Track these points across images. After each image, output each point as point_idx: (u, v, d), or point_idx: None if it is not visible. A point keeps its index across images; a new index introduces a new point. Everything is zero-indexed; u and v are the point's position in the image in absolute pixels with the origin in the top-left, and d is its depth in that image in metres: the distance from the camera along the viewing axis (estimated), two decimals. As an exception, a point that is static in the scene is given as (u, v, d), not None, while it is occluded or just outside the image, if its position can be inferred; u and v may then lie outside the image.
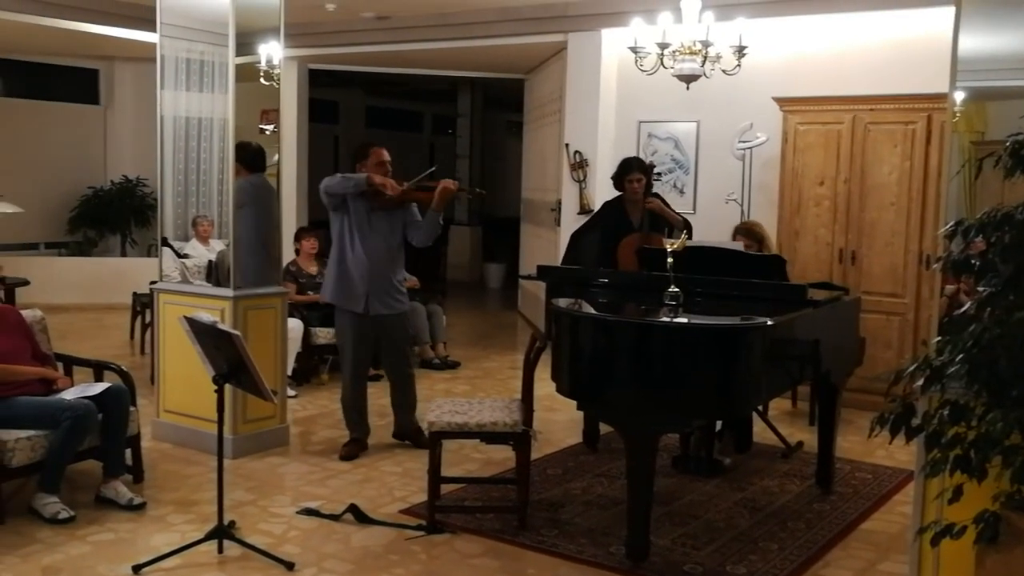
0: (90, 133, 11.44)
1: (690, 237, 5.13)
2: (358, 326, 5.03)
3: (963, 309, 2.61)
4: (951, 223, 2.67)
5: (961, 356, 2.47)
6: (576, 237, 5.84)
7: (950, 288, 3.27)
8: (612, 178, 5.71)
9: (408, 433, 5.30)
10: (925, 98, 6.05)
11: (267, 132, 5.42)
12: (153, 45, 5.41)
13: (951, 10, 3.10)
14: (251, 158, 5.15)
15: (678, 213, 5.64)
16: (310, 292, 6.87)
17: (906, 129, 6.21)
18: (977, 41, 3.21)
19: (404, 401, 5.28)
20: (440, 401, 4.44)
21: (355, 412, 5.17)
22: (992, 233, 2.50)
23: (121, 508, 4.22)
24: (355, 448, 5.12)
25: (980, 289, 2.59)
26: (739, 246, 5.48)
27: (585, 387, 3.76)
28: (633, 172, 5.53)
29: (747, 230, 5.46)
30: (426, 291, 8.32)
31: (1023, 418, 2.33)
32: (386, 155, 5.02)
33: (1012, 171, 2.51)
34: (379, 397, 6.51)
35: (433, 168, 5.07)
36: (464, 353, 8.15)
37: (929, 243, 6.10)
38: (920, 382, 2.61)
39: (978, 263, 2.57)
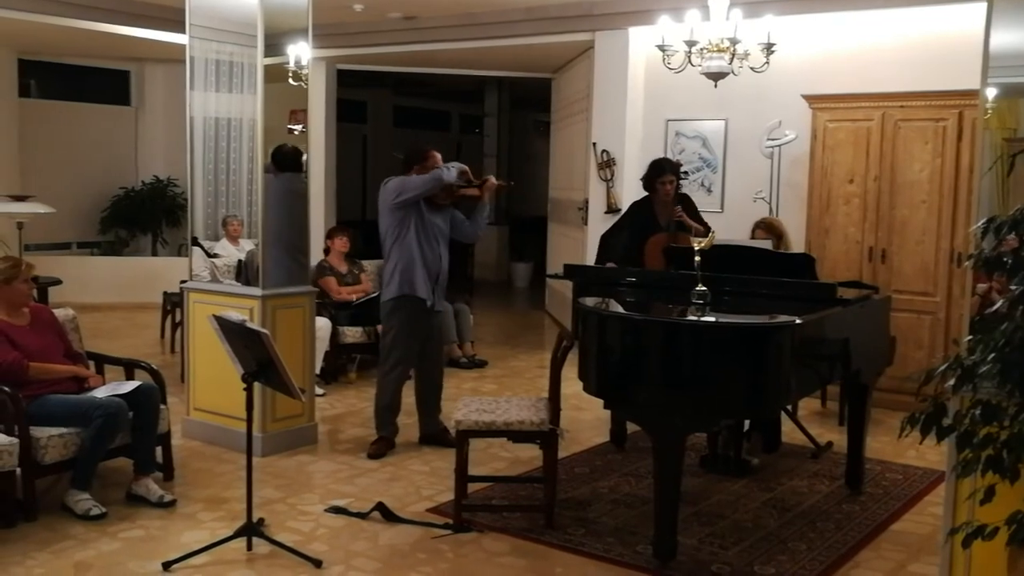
0: (121, 134, 11.58)
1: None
2: (418, 319, 5.10)
3: (995, 307, 2.57)
4: (983, 220, 2.63)
5: (993, 355, 2.44)
6: (606, 238, 5.84)
7: (982, 287, 3.23)
8: (642, 179, 5.69)
9: (436, 434, 5.31)
10: (956, 95, 5.98)
11: (296, 132, 5.45)
12: (183, 47, 5.46)
13: (983, 5, 3.06)
14: (283, 159, 5.19)
15: (702, 220, 5.59)
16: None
17: (937, 126, 6.15)
18: (1009, 37, 3.16)
19: (435, 402, 5.32)
20: (467, 400, 4.45)
21: (390, 410, 5.20)
22: (1025, 230, 2.47)
23: (152, 505, 4.27)
24: (384, 446, 5.14)
25: (1012, 287, 2.56)
26: (767, 244, 5.47)
27: (612, 386, 3.75)
28: (666, 174, 5.52)
29: (767, 224, 5.46)
30: (453, 290, 8.32)
31: (1057, 418, 2.29)
32: (440, 159, 5.14)
33: (1045, 168, 2.48)
34: (407, 396, 6.54)
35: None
36: (491, 352, 8.16)
37: (961, 241, 6.03)
38: (951, 382, 2.58)
39: (1010, 260, 2.53)
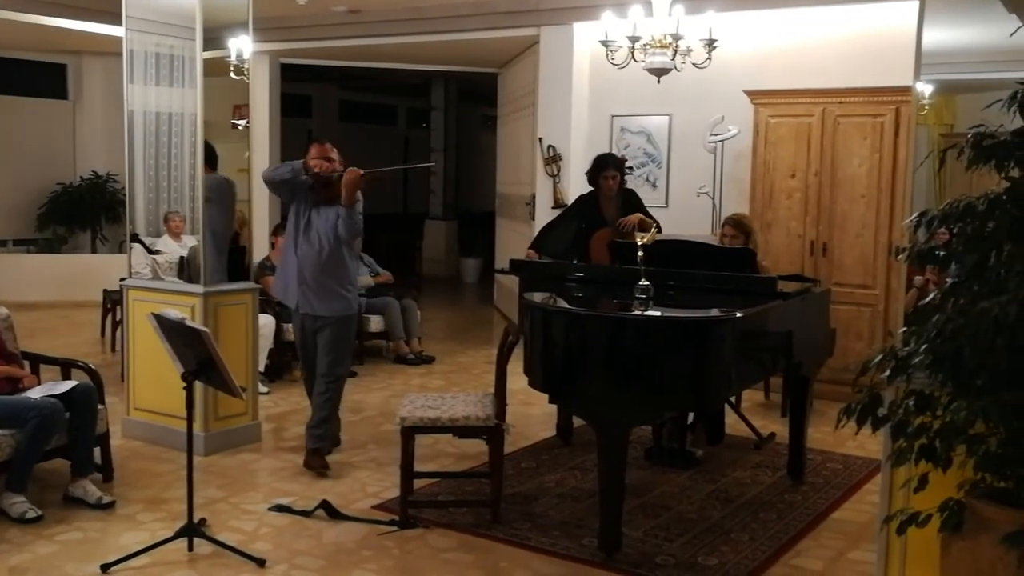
0: (59, 128, 11.30)
1: (659, 231, 5.14)
2: (299, 325, 4.90)
3: (928, 299, 2.63)
4: (916, 214, 2.69)
5: (926, 346, 2.50)
6: (547, 229, 5.84)
7: (919, 279, 3.31)
8: (587, 174, 5.72)
9: (307, 453, 4.80)
10: (893, 91, 6.09)
11: (239, 127, 5.37)
12: (120, 39, 5.35)
13: (916, 3, 3.12)
14: (206, 156, 5.10)
15: (649, 214, 5.62)
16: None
17: (875, 122, 6.26)
18: (943, 34, 3.23)
19: (316, 419, 4.83)
20: (413, 396, 4.43)
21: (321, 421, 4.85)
22: (955, 223, 2.53)
23: (90, 507, 4.17)
24: (315, 459, 4.78)
25: (946, 280, 2.62)
26: (712, 239, 5.52)
27: (557, 381, 3.76)
28: (609, 169, 5.55)
29: (736, 222, 5.35)
30: (401, 286, 8.30)
31: (987, 407, 2.35)
32: (331, 152, 4.71)
33: (973, 162, 2.54)
34: (353, 393, 6.51)
35: (432, 164, 4.96)
36: (439, 348, 8.14)
37: (898, 234, 6.15)
38: (886, 372, 2.63)
39: (942, 253, 2.59)
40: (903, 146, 6.12)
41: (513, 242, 9.63)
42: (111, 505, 4.21)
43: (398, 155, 16.93)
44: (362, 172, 4.61)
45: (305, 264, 4.73)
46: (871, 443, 5.20)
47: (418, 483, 4.42)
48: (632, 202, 5.65)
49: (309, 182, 4.70)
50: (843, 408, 2.63)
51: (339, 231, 4.68)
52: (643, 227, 4.89)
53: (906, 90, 5.94)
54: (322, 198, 4.71)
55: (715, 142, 7.07)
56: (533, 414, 5.95)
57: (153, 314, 3.80)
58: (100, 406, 4.44)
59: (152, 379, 5.12)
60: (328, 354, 4.81)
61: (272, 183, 4.79)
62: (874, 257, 6.31)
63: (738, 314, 3.73)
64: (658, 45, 5.68)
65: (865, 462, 5.10)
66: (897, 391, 2.75)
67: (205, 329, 3.64)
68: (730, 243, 5.17)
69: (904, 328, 2.78)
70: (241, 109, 5.45)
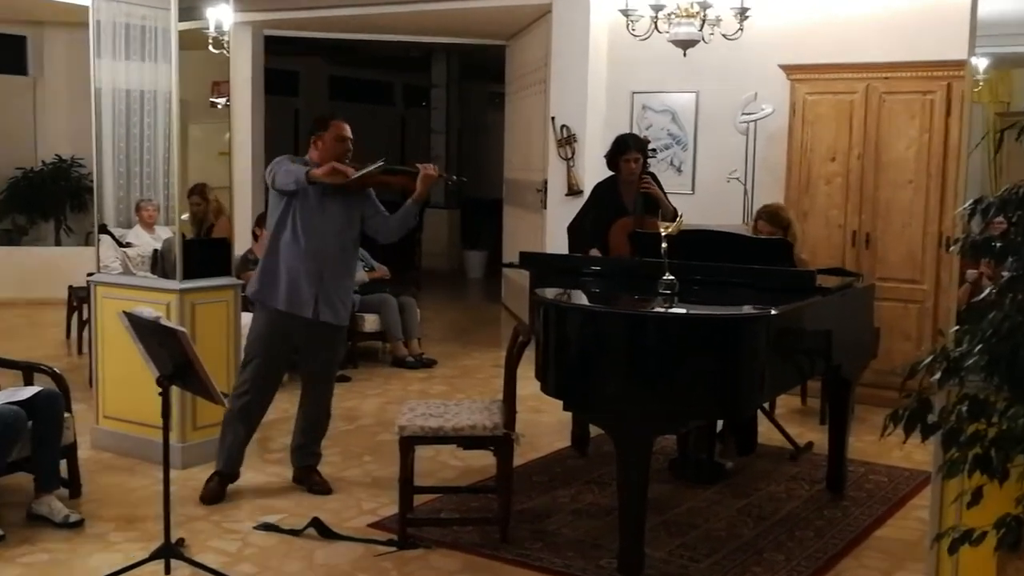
0: (18, 107, 11.33)
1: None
2: (278, 333, 4.65)
3: (983, 295, 2.63)
4: (970, 201, 2.69)
5: (980, 347, 2.50)
6: (574, 230, 5.84)
7: (972, 273, 3.31)
8: (606, 157, 5.73)
9: (304, 472, 4.83)
10: (945, 65, 6.08)
11: (219, 106, 5.39)
12: (86, 8, 5.37)
13: (971, -32, 3.12)
14: None
15: (670, 200, 5.64)
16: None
17: (924, 99, 6.26)
18: (1000, 3, 3.23)
19: (310, 435, 4.84)
20: (413, 403, 4.45)
21: (240, 436, 4.70)
22: (1013, 211, 2.53)
23: (56, 526, 4.20)
24: (219, 487, 4.64)
25: (1003, 274, 2.62)
26: (742, 229, 5.52)
27: (573, 385, 3.78)
28: (630, 151, 5.55)
29: (771, 215, 5.29)
30: (398, 281, 8.32)
31: (1048, 413, 2.35)
32: (348, 130, 4.64)
33: (1035, 143, 2.54)
34: (346, 400, 6.54)
35: (382, 162, 4.58)
36: (441, 350, 8.16)
37: (950, 224, 6.15)
38: (937, 375, 2.63)
39: (999, 245, 2.59)
40: (955, 126, 6.11)
41: (523, 232, 9.65)
42: (79, 524, 4.23)
43: (394, 137, 16.94)
44: (439, 173, 4.64)
45: (325, 264, 4.61)
46: (919, 453, 5.21)
47: (418, 499, 4.44)
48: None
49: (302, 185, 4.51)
50: (889, 414, 2.64)
51: (388, 230, 4.72)
52: (665, 215, 4.90)
53: (959, 64, 5.93)
54: (348, 185, 4.58)
55: (747, 122, 7.07)
56: (545, 422, 5.97)
57: (124, 312, 3.82)
58: (66, 414, 4.46)
59: (123, 384, 5.15)
60: (331, 365, 4.88)
61: (277, 189, 4.59)
62: (923, 249, 6.31)
63: (773, 311, 3.74)
64: (684, 14, 5.70)
65: (912, 474, 5.11)
66: (948, 396, 2.75)
67: (182, 329, 3.67)
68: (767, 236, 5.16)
69: (956, 327, 2.78)
70: (221, 86, 5.47)
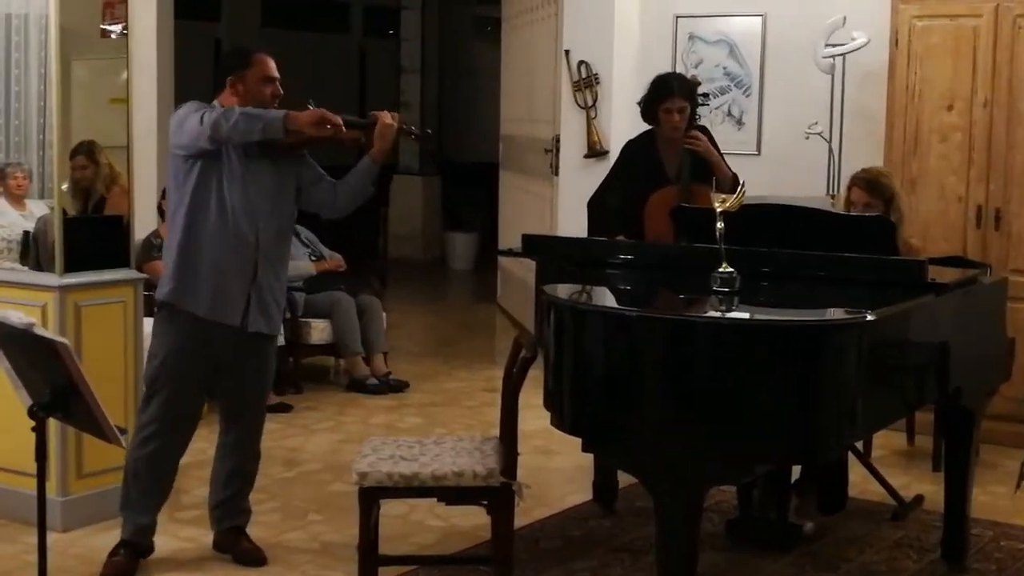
0: None
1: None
2: (205, 346, 4.63)
3: None
4: None
5: None
6: (597, 202, 5.84)
7: None
8: (640, 104, 5.73)
9: (230, 540, 4.81)
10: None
11: (113, 35, 5.38)
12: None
13: None
14: None
15: (727, 165, 5.65)
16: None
17: (1077, 25, 6.26)
18: None
19: (233, 487, 4.82)
20: (376, 441, 4.45)
21: (143, 491, 4.66)
22: None
23: None
24: (128, 562, 4.60)
25: None
26: (826, 203, 5.51)
27: (595, 418, 3.77)
28: (673, 97, 5.56)
29: (869, 181, 5.29)
30: (357, 275, 8.31)
31: None
32: (274, 68, 4.64)
33: None
34: (285, 436, 6.53)
35: (310, 101, 4.54)
36: (415, 369, 8.17)
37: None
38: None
39: None
40: (1119, 61, 6.11)
41: (525, 208, 9.64)
42: (-76, 605, 4.24)
43: (351, 77, 16.92)
44: (398, 122, 4.64)
45: (258, 254, 4.59)
46: (1069, 511, 5.22)
47: (384, 572, 4.41)
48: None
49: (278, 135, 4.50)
50: (1027, 458, 2.64)
51: (337, 201, 4.74)
52: (719, 184, 4.89)
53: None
54: (288, 143, 4.55)
55: (833, 57, 7.06)
56: (558, 468, 5.98)
57: (-15, 318, 3.81)
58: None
59: (-17, 416, 5.15)
60: (263, 391, 4.91)
61: (220, 144, 4.44)
62: (1074, 231, 6.32)
63: (869, 316, 3.73)
64: (746, -91, 5.69)
65: (1059, 540, 5.11)
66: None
67: (63, 340, 3.65)
68: (859, 213, 5.16)
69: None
70: (115, 8, 5.46)
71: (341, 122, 4.47)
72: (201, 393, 4.85)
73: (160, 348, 4.65)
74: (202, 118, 4.41)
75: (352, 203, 4.79)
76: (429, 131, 5.28)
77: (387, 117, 4.60)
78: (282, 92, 4.64)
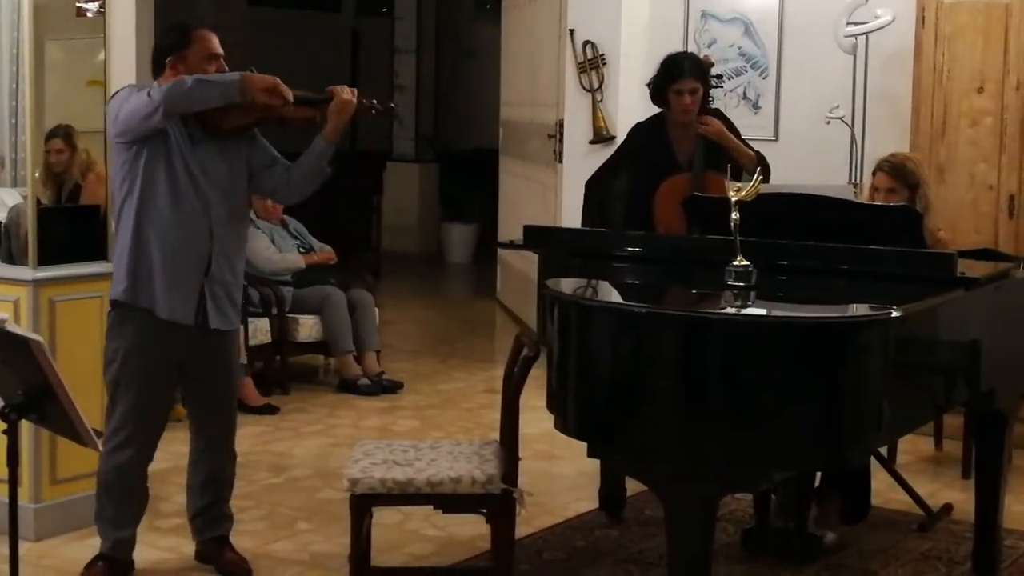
0: None
1: (767, 180, 5.13)
2: (166, 347, 4.59)
3: None
4: None
5: None
6: (594, 185, 5.85)
7: None
8: (649, 86, 5.73)
9: (210, 550, 4.82)
10: None
11: (89, 14, 5.39)
12: None
13: None
14: None
15: (748, 144, 5.65)
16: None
17: (1116, 1, 6.26)
18: None
19: (212, 494, 4.81)
20: (369, 445, 4.45)
21: (118, 503, 4.65)
22: None
23: None
24: (104, 573, 4.62)
25: None
26: (848, 192, 5.50)
27: (600, 421, 3.77)
28: (684, 79, 5.56)
29: (895, 167, 5.30)
30: (348, 269, 8.31)
31: None
32: (217, 45, 4.59)
33: None
34: (273, 440, 6.53)
35: (251, 68, 4.46)
36: (410, 369, 8.19)
37: None
38: None
39: None
40: None
41: (527, 197, 9.65)
42: None
43: (343, 58, 16.92)
44: (357, 98, 4.58)
45: (212, 245, 4.55)
46: (1107, 521, 5.21)
47: (378, 584, 4.45)
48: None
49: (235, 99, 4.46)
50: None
51: (292, 185, 4.70)
52: (736, 171, 4.88)
53: None
54: (209, 127, 4.52)
55: (855, 36, 7.06)
56: (562, 474, 5.99)
57: (-47, 314, 3.81)
58: None
59: (-49, 418, 5.15)
60: (231, 389, 4.87)
61: (172, 115, 4.39)
62: (1113, 222, 6.31)
63: (894, 313, 3.73)
64: None
65: (1097, 552, 5.11)
66: None
67: (37, 338, 3.65)
68: (884, 201, 5.16)
69: None
70: (91, -14, 5.47)
71: (291, 96, 4.43)
72: (168, 400, 4.82)
73: (117, 351, 4.61)
74: (148, 94, 4.38)
75: (307, 186, 4.73)
76: (394, 106, 5.10)
77: (345, 92, 4.57)
78: (226, 69, 4.60)
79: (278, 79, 4.43)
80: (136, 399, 4.57)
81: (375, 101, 4.76)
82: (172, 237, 4.48)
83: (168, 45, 4.59)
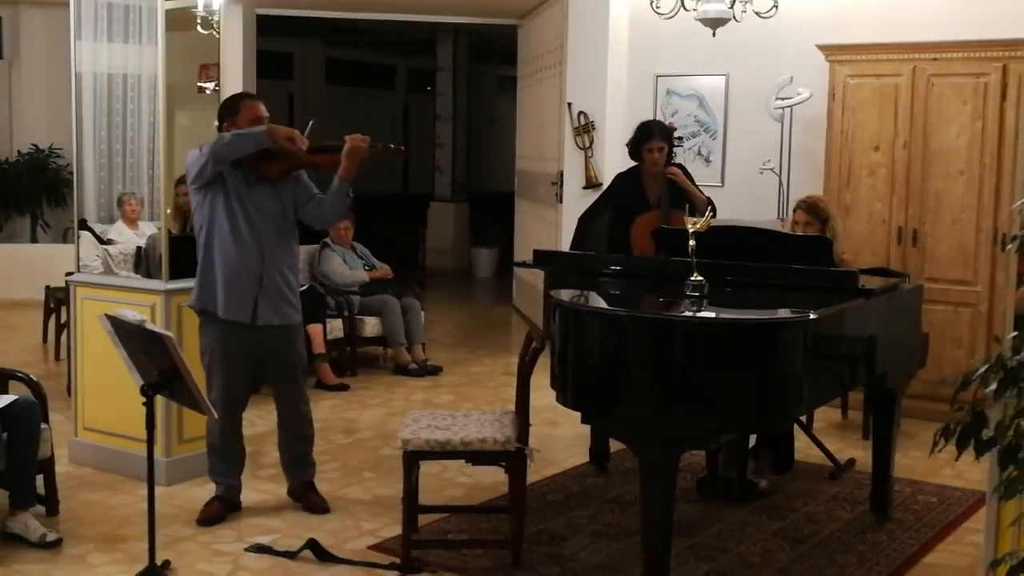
0: (-8, 93, 11.40)
1: (715, 216, 5.13)
2: (236, 340, 4.59)
3: (1043, 298, 2.61)
4: (1029, 194, 2.67)
5: (1041, 354, 2.48)
6: (585, 220, 5.86)
7: (1030, 273, 3.28)
8: (628, 145, 5.75)
9: (296, 490, 4.86)
10: (1000, 44, 6.06)
11: (207, 91, 5.40)
12: (66, -14, 5.39)
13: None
14: None
15: (700, 189, 5.66)
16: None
17: (977, 82, 6.22)
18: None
19: (295, 448, 4.84)
20: (417, 414, 4.45)
21: (220, 457, 4.72)
22: (1078, 206, 2.51)
23: (32, 546, 4.21)
24: (219, 510, 4.65)
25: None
26: (778, 227, 5.50)
27: (591, 396, 3.76)
28: (653, 139, 5.56)
29: (810, 206, 5.28)
30: (401, 282, 8.33)
31: (1115, 428, 2.33)
32: (263, 109, 4.56)
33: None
34: (345, 410, 6.55)
35: (312, 121, 4.53)
36: (447, 356, 8.17)
37: (1006, 220, 6.11)
38: (992, 386, 2.62)
39: (1060, 243, 2.57)
40: (1011, 111, 6.08)
41: (536, 228, 9.63)
42: (57, 544, 4.24)
43: (397, 124, 16.97)
44: (369, 144, 4.50)
45: (263, 262, 4.54)
46: (972, 471, 5.18)
47: (423, 519, 4.45)
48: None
49: (264, 145, 4.46)
50: (939, 429, 2.62)
51: (320, 212, 4.65)
52: (692, 210, 4.88)
53: (1016, 44, 5.97)
54: (272, 173, 4.53)
55: (782, 108, 7.05)
56: (561, 436, 5.97)
57: (107, 316, 3.82)
58: (43, 425, 4.48)
59: (104, 393, 5.16)
60: (292, 368, 4.76)
61: (221, 163, 4.41)
62: (976, 247, 6.28)
63: (812, 315, 3.72)
64: (713, -10, 5.68)
65: (965, 495, 5.08)
66: (1005, 409, 2.73)
67: (168, 334, 3.67)
68: (803, 232, 5.16)
69: (1014, 332, 2.76)
70: (209, 70, 5.49)
71: (306, 143, 4.44)
72: (246, 381, 4.77)
73: (206, 345, 4.65)
74: (200, 149, 4.46)
75: (332, 215, 4.73)
76: (402, 148, 4.87)
77: (356, 140, 4.49)
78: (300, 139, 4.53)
79: (296, 130, 4.46)
80: (222, 380, 4.60)
81: (379, 143, 4.61)
82: (231, 259, 4.51)
83: (224, 113, 4.60)
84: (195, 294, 4.65)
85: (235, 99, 4.62)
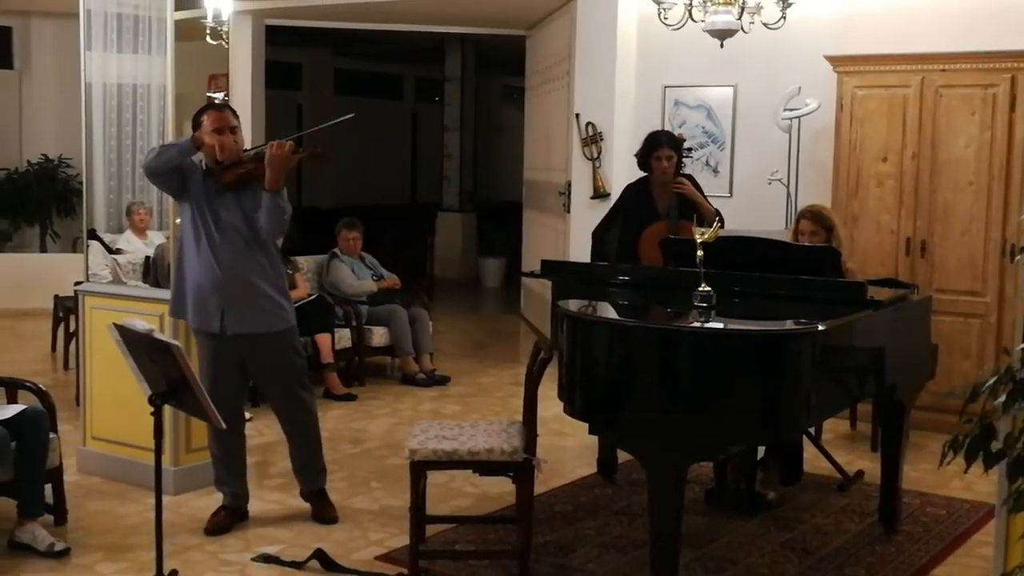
0: (1, 103, 11.43)
1: (723, 226, 5.13)
2: (212, 349, 4.57)
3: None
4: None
5: (1050, 366, 2.47)
6: (599, 233, 5.85)
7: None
8: (636, 156, 5.75)
9: (307, 497, 4.85)
10: (1010, 55, 6.04)
11: (216, 101, 5.42)
12: (76, -3, 5.42)
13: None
14: None
15: (709, 200, 5.66)
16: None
17: (986, 93, 6.21)
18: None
19: (302, 457, 4.79)
20: (424, 424, 4.45)
21: (223, 465, 4.72)
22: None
23: (40, 555, 4.22)
24: (225, 519, 4.65)
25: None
26: (785, 236, 5.49)
27: (599, 407, 3.76)
28: (662, 148, 5.56)
29: (814, 215, 5.23)
30: (409, 291, 8.33)
31: (1125, 441, 2.33)
32: (228, 119, 4.45)
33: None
34: (352, 420, 6.55)
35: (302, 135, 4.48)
36: (455, 366, 8.16)
37: (1015, 230, 6.09)
38: (1001, 398, 2.61)
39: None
40: (1020, 123, 6.07)
41: (543, 239, 9.64)
42: (65, 553, 4.25)
43: (405, 133, 17.00)
44: (291, 149, 4.36)
45: (227, 271, 4.47)
46: (982, 484, 5.16)
47: (430, 529, 4.44)
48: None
49: (203, 163, 4.48)
50: (948, 441, 2.62)
51: (261, 225, 4.47)
52: (701, 220, 4.88)
53: (1024, 54, 5.95)
54: (225, 182, 4.46)
55: (790, 119, 7.04)
56: (569, 447, 5.96)
57: (115, 325, 3.83)
58: (52, 435, 4.49)
59: (113, 403, 5.17)
60: (282, 374, 4.69)
61: (157, 174, 4.45)
62: (984, 258, 6.25)
63: (820, 327, 3.71)
64: (721, 1, 5.69)
65: (974, 507, 5.06)
66: (1015, 421, 2.73)
67: (176, 343, 3.67)
68: (808, 241, 5.15)
69: (1023, 344, 2.76)
70: (218, 80, 5.51)
71: (238, 152, 4.42)
72: (237, 392, 4.72)
73: (199, 355, 4.68)
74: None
75: (271, 226, 4.48)
76: (323, 151, 4.69)
77: (274, 147, 4.37)
78: (241, 138, 4.53)
79: (225, 139, 4.40)
80: (207, 387, 4.51)
81: (313, 149, 4.58)
82: (194, 269, 4.52)
83: (193, 123, 4.57)
84: (170, 304, 4.69)
85: (201, 110, 4.56)
